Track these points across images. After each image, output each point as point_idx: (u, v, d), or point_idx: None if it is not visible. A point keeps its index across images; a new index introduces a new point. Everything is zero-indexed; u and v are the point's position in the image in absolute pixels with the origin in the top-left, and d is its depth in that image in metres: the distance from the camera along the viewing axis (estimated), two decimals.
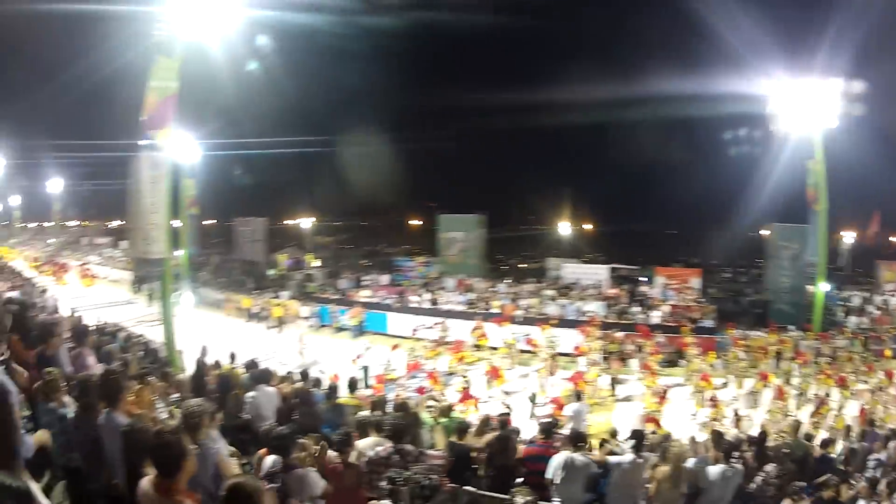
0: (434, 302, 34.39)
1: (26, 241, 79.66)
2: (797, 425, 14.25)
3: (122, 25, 20.21)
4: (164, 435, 4.31)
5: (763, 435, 12.71)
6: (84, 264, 52.56)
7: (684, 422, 19.33)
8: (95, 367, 8.18)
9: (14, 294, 17.99)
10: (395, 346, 25.81)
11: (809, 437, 13.47)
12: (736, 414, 18.54)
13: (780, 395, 19.34)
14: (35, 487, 2.67)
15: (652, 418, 17.61)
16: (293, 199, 76.89)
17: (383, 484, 5.71)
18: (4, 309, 7.62)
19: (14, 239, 75.39)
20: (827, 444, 12.83)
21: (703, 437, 13.77)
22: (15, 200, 74.34)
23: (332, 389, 12.29)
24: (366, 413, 10.53)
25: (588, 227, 65.04)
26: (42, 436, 5.33)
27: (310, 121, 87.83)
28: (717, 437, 10.52)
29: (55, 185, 68.50)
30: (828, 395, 20.10)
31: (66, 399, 6.65)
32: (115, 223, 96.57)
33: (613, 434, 11.65)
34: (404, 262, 45.95)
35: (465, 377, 21.93)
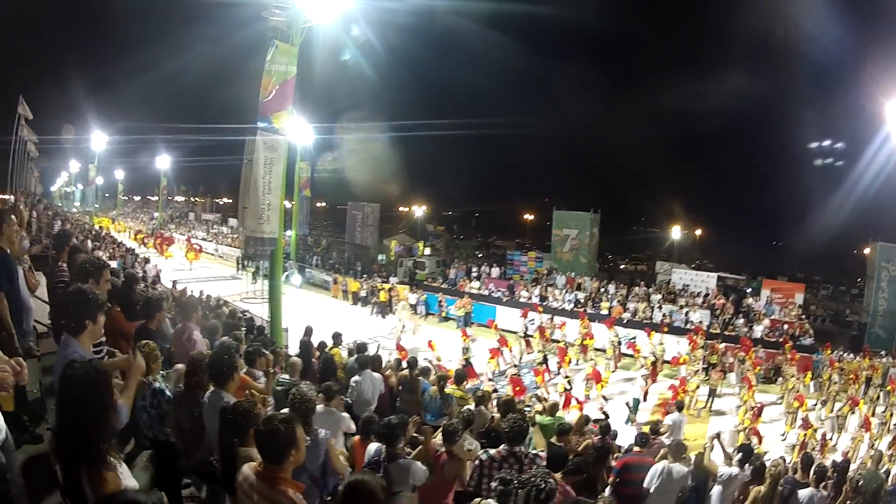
0: (543, 298, 34.01)
1: (129, 213, 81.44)
2: (879, 457, 13.77)
3: (239, 8, 20.33)
4: (273, 421, 4.05)
5: (846, 463, 12.26)
6: (190, 238, 53.55)
7: (773, 441, 18.97)
8: (201, 343, 8.07)
9: (115, 265, 18.17)
10: (500, 340, 25.49)
11: (887, 471, 13.05)
12: (823, 438, 18.08)
13: (867, 423, 18.53)
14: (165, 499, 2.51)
15: (755, 432, 17.27)
16: (407, 186, 77.27)
17: (494, 485, 5.43)
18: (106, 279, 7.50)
19: (115, 211, 76.92)
20: None
21: (790, 458, 13.42)
22: (119, 174, 75.12)
23: (442, 379, 12.10)
24: (470, 408, 10.33)
25: (699, 232, 64.07)
26: None
27: (427, 109, 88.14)
28: (810, 461, 10.21)
29: (163, 160, 69.10)
30: None
31: (162, 373, 6.56)
32: (224, 200, 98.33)
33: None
34: (516, 255, 46.09)
35: (568, 377, 21.59)
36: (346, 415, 8.13)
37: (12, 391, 3.96)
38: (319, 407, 7.78)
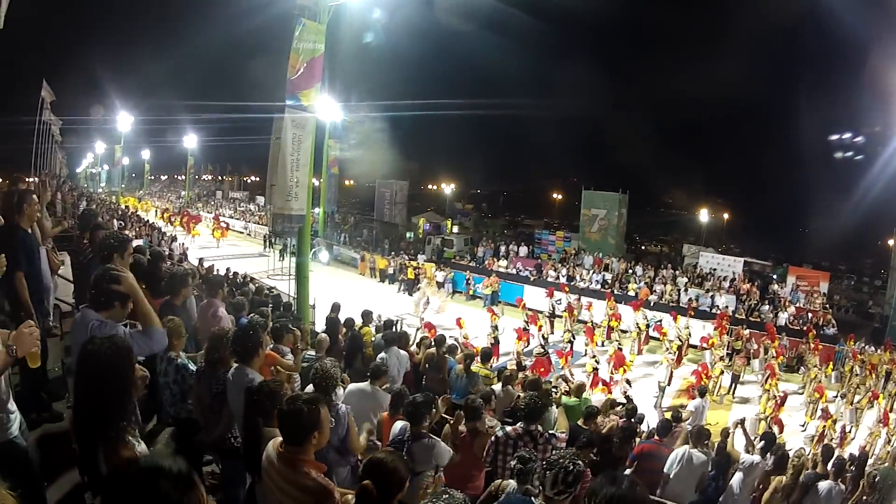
0: (570, 278, 34.09)
1: (156, 192, 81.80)
2: None
3: None
4: (297, 402, 3.99)
5: (864, 457, 12.18)
6: (217, 216, 53.98)
7: (793, 431, 18.82)
8: (227, 320, 8.14)
9: (141, 242, 18.25)
10: (530, 318, 25.39)
11: None
12: (843, 430, 17.90)
13: (885, 418, 18.33)
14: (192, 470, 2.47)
15: (777, 421, 17.17)
16: (436, 165, 77.50)
17: (513, 464, 5.39)
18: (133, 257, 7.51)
19: (142, 190, 77.33)
20: None
21: (808, 449, 13.36)
22: (145, 154, 76.31)
23: (468, 357, 12.09)
24: (495, 388, 10.32)
25: (726, 216, 63.90)
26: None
27: (456, 87, 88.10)
28: (830, 452, 10.17)
29: (190, 140, 69.38)
30: None
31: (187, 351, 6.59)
32: (251, 178, 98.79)
33: (727, 435, 11.23)
34: (544, 234, 46.15)
35: (594, 357, 21.39)
36: (385, 396, 7.98)
37: (38, 350, 3.89)
38: (365, 386, 7.91)
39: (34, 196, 6.61)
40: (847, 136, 41.02)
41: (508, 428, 7.04)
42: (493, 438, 6.95)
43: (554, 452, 6.12)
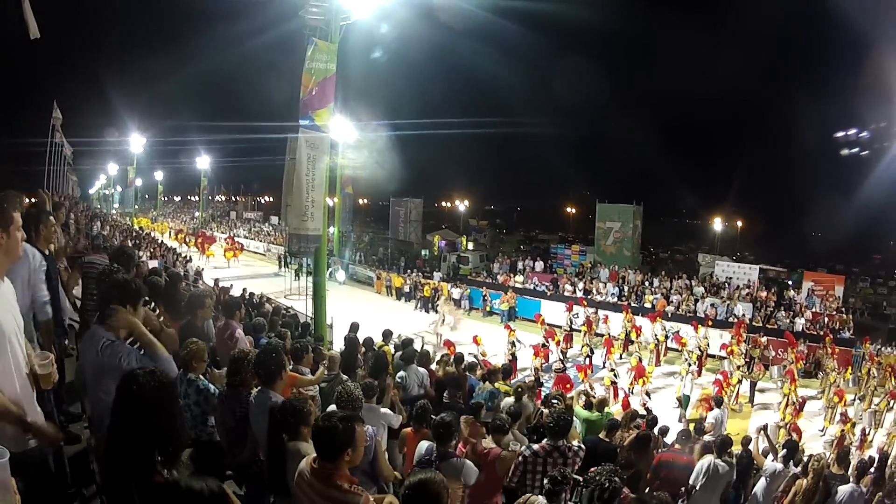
0: (587, 292, 33.93)
1: (169, 213, 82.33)
2: None
3: (276, 7, 20.36)
4: (332, 418, 4.02)
5: (884, 457, 12.08)
6: (231, 237, 54.32)
7: (813, 437, 18.78)
8: (244, 342, 8.17)
9: (156, 264, 18.30)
10: (548, 334, 25.41)
11: None
12: (863, 434, 17.65)
13: None
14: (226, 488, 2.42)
15: (795, 427, 17.04)
16: (449, 182, 77.84)
17: (545, 482, 5.30)
18: (147, 280, 7.48)
19: (156, 211, 77.82)
20: None
21: (829, 453, 13.29)
22: (158, 175, 77.06)
23: (491, 373, 12.09)
24: (509, 399, 10.29)
25: (739, 223, 63.97)
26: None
27: (468, 105, 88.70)
28: (846, 454, 10.14)
29: (203, 161, 69.37)
30: None
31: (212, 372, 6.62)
32: (265, 199, 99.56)
33: (746, 442, 11.26)
34: (559, 249, 46.23)
35: (613, 370, 21.27)
36: (386, 411, 7.96)
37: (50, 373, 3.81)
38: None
39: (50, 217, 6.59)
40: (853, 132, 40.93)
41: (536, 446, 6.93)
42: (520, 458, 6.83)
43: (579, 463, 6.07)
